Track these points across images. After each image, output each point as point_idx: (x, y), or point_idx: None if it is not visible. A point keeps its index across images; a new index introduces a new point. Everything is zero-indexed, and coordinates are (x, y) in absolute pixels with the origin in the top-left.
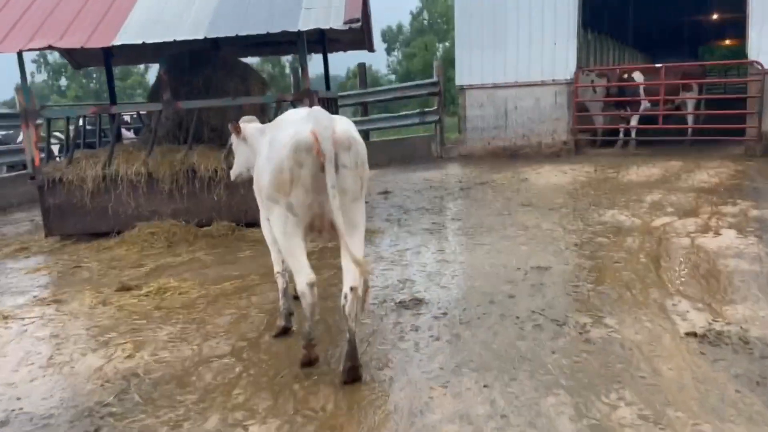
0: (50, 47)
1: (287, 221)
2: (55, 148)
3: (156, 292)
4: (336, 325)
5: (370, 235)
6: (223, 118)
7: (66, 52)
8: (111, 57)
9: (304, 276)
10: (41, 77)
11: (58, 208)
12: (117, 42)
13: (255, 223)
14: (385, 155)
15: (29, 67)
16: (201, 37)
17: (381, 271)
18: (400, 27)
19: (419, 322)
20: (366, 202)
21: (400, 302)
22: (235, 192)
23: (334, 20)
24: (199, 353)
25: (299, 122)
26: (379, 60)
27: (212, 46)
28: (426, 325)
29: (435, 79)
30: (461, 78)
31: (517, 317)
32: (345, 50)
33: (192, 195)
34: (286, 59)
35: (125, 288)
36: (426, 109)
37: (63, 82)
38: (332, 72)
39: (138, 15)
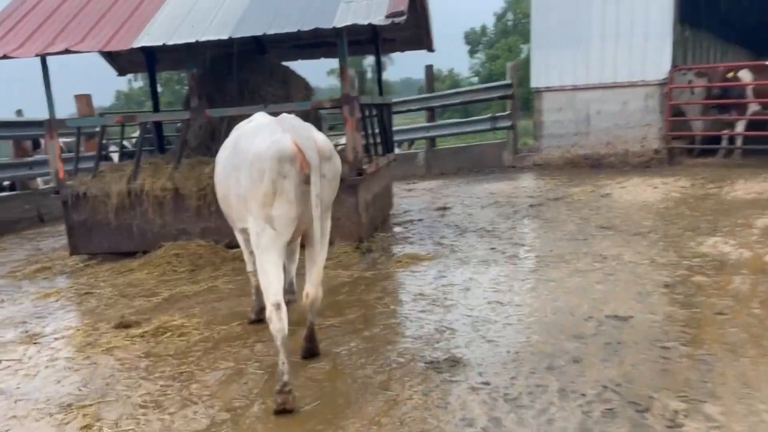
0: (67, 51)
1: (263, 234)
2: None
3: (154, 332)
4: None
5: (416, 262)
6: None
7: (109, 57)
8: (155, 62)
9: (271, 296)
10: (138, 84)
11: (83, 225)
12: (137, 44)
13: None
14: (451, 164)
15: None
16: (225, 37)
17: (417, 314)
18: (483, 29)
19: (451, 397)
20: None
21: (431, 362)
22: None
23: (375, 14)
24: (169, 427)
25: (271, 131)
26: (461, 62)
27: (257, 49)
28: (458, 400)
29: (508, 80)
30: (537, 79)
31: (583, 395)
32: (402, 50)
33: (221, 213)
34: (368, 63)
35: (123, 325)
36: (498, 114)
37: (159, 88)
38: (411, 75)
39: (164, 16)
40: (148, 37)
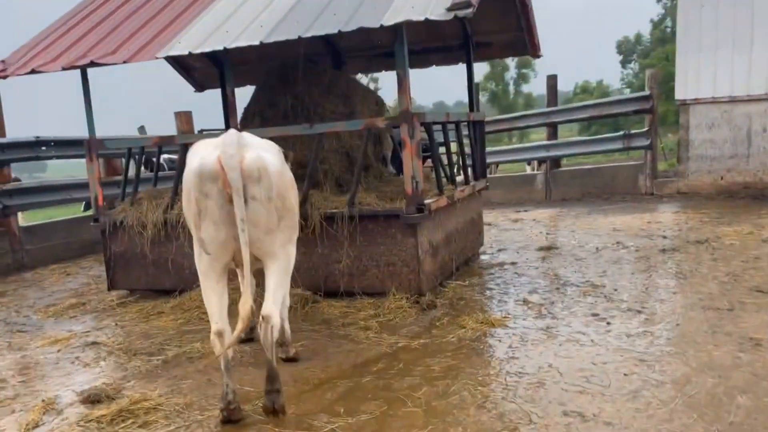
0: (93, 64)
1: (200, 259)
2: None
3: (115, 416)
4: None
5: (485, 329)
6: (320, 151)
7: (185, 73)
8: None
9: (212, 323)
10: None
11: (121, 258)
12: (161, 55)
13: (336, 292)
14: (575, 188)
15: None
16: (256, 42)
17: (456, 417)
18: (638, 37)
19: None
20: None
21: None
22: (312, 250)
23: (434, 9)
24: None
25: (209, 148)
26: (612, 73)
27: (333, 61)
28: None
29: (646, 92)
30: (684, 90)
31: None
32: (500, 56)
33: None
34: (511, 76)
35: (90, 400)
36: (633, 132)
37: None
38: (559, 88)
39: (203, 23)
40: (178, 47)
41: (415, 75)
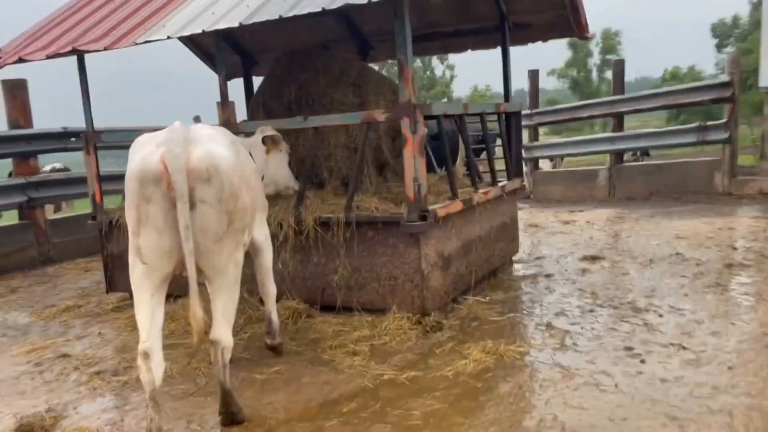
0: (74, 51)
1: (134, 268)
2: None
3: None
4: None
5: (491, 362)
6: (320, 146)
7: (212, 63)
8: (252, 65)
9: (140, 342)
10: None
11: (119, 259)
12: (141, 40)
13: (333, 306)
14: (642, 186)
15: None
16: (236, 24)
17: None
18: (735, 19)
19: None
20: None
21: None
22: (308, 258)
23: None
24: None
25: (151, 145)
26: (706, 59)
27: (359, 49)
28: None
29: (726, 78)
30: None
31: None
32: (542, 39)
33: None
34: (594, 62)
35: (22, 429)
36: (709, 123)
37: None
38: (650, 74)
39: (193, 7)
40: (158, 33)
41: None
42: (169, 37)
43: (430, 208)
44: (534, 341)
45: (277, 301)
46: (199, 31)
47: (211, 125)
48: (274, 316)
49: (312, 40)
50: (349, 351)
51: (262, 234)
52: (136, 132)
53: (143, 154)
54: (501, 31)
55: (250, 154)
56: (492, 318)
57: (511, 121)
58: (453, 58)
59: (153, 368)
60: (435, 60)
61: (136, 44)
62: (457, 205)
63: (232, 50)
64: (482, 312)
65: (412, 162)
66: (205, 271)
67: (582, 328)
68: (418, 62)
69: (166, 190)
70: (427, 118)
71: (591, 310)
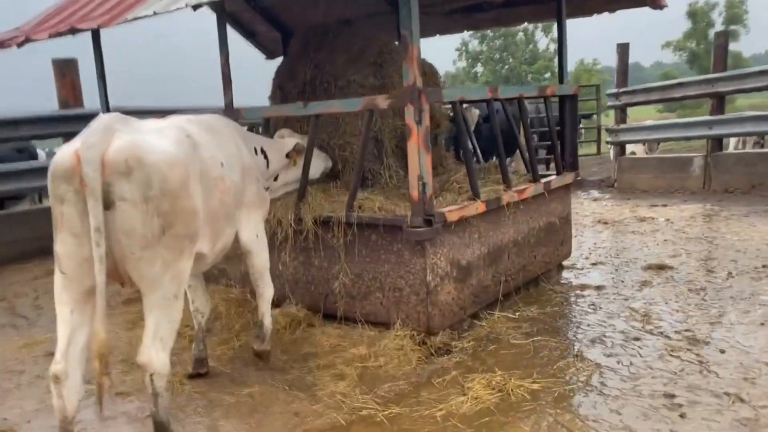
0: (72, 30)
1: (56, 277)
2: None
3: None
4: None
5: (492, 401)
6: (337, 133)
7: (254, 40)
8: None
9: (53, 362)
10: (461, 64)
11: None
12: (131, 16)
13: (334, 315)
14: (743, 176)
15: (451, 55)
16: None
17: None
18: None
19: None
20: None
21: None
22: (310, 262)
23: None
24: None
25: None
26: None
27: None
28: None
29: None
30: None
31: None
32: (610, 10)
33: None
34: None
35: None
36: None
37: (479, 68)
38: None
39: None
40: (149, 9)
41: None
42: (155, 13)
43: (440, 210)
44: (554, 376)
45: (279, 305)
46: (183, 5)
47: (195, 116)
48: (267, 321)
49: (355, 13)
50: (337, 374)
51: (252, 234)
52: (159, 113)
53: (62, 149)
54: (557, 1)
55: (263, 152)
56: (514, 341)
57: (564, 105)
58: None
59: (65, 395)
60: (539, 32)
61: (127, 21)
62: (475, 207)
63: (271, 26)
64: (505, 332)
65: (417, 158)
66: (135, 282)
67: (618, 362)
68: (520, 35)
69: (79, 187)
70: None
71: (636, 338)
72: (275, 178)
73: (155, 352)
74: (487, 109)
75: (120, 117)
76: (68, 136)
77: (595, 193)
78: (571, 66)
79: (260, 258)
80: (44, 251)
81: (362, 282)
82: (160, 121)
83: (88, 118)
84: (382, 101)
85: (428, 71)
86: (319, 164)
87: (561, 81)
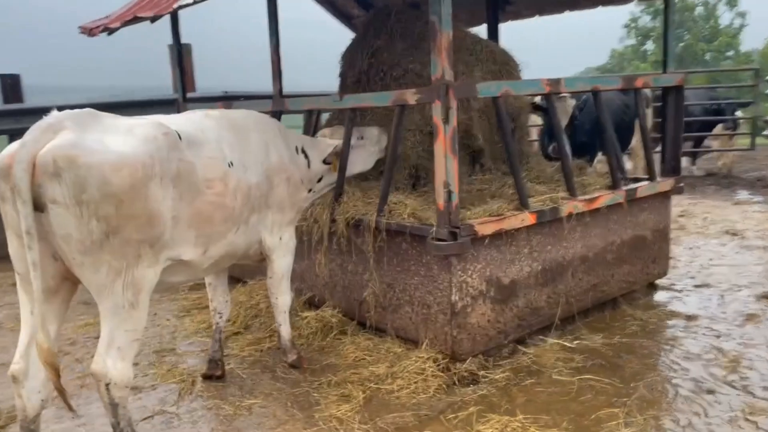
0: (136, 19)
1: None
2: None
3: None
4: None
5: None
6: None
7: (349, 23)
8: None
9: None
10: (630, 41)
11: None
12: (176, 6)
13: (368, 324)
14: None
15: (618, 33)
16: None
17: None
18: None
19: None
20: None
21: None
22: (345, 266)
23: None
24: None
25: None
26: None
27: (491, 3)
28: None
29: None
30: None
31: None
32: None
33: (299, 256)
34: None
35: None
36: None
37: (649, 46)
38: None
39: None
40: None
41: None
42: (195, 2)
43: (469, 222)
44: (587, 430)
45: (318, 307)
46: None
47: (220, 111)
48: (284, 331)
49: None
50: (345, 394)
51: (275, 237)
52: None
53: (8, 145)
54: None
55: (304, 152)
56: (558, 376)
57: (668, 99)
58: (746, 3)
59: (24, 395)
60: (722, 5)
61: (173, 9)
62: (520, 219)
63: (361, 8)
64: (552, 364)
65: (443, 161)
66: (86, 286)
67: (674, 420)
68: (699, 9)
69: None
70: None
71: (710, 391)
72: (319, 180)
73: (111, 361)
74: (593, 100)
75: (83, 113)
76: None
77: (744, 194)
78: (757, 43)
79: (281, 263)
80: None
81: (393, 293)
82: (157, 117)
83: (201, 101)
84: (411, 96)
85: (500, 60)
86: (366, 158)
87: (664, 69)
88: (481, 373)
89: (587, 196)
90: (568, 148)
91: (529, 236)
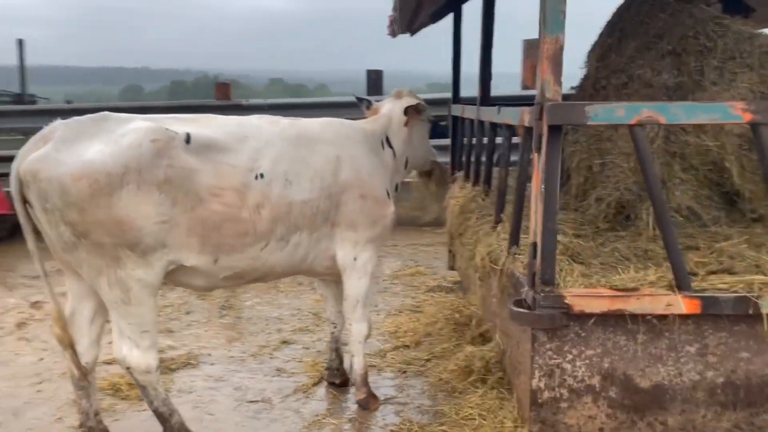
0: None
1: None
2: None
3: None
4: None
5: None
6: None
7: None
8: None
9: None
10: None
11: None
12: None
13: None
14: None
15: None
16: None
17: None
18: None
19: None
20: None
21: None
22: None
23: None
24: None
25: None
26: None
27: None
28: None
29: None
30: None
31: None
32: None
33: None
34: None
35: None
36: None
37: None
38: None
39: None
40: None
41: None
42: None
43: (560, 293)
44: None
45: (487, 342)
46: None
47: (293, 119)
48: (356, 364)
49: None
50: None
51: (349, 256)
52: None
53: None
54: None
55: (388, 142)
56: None
57: None
58: None
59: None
60: None
61: None
62: (662, 303)
63: None
64: None
65: (537, 203)
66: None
67: None
68: None
69: None
70: None
71: None
72: (405, 165)
73: (126, 349)
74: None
75: (86, 120)
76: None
77: None
78: None
79: (353, 285)
80: None
81: (518, 349)
82: (142, 120)
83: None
84: (526, 116)
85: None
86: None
87: None
88: None
89: None
90: None
91: (701, 330)
